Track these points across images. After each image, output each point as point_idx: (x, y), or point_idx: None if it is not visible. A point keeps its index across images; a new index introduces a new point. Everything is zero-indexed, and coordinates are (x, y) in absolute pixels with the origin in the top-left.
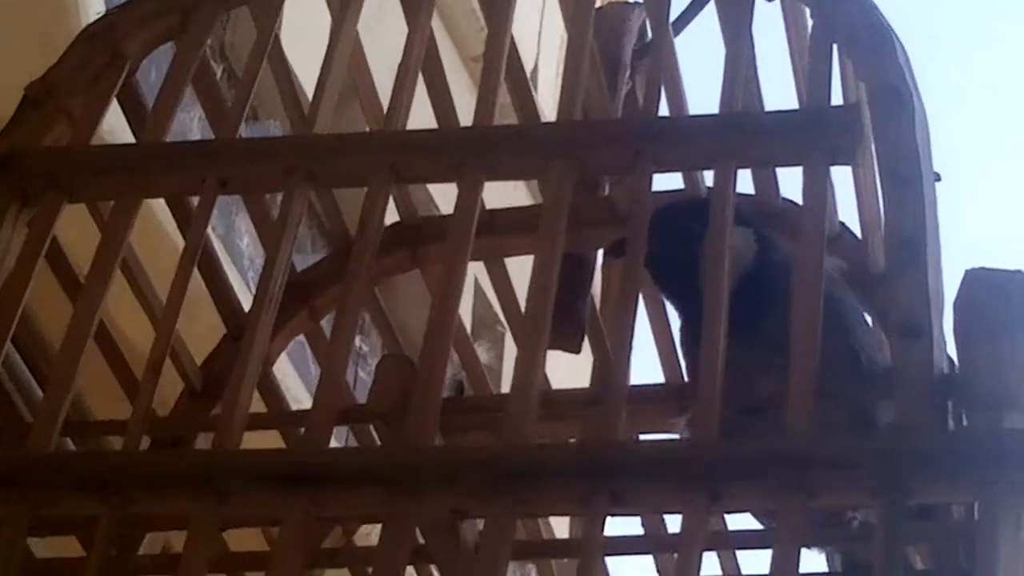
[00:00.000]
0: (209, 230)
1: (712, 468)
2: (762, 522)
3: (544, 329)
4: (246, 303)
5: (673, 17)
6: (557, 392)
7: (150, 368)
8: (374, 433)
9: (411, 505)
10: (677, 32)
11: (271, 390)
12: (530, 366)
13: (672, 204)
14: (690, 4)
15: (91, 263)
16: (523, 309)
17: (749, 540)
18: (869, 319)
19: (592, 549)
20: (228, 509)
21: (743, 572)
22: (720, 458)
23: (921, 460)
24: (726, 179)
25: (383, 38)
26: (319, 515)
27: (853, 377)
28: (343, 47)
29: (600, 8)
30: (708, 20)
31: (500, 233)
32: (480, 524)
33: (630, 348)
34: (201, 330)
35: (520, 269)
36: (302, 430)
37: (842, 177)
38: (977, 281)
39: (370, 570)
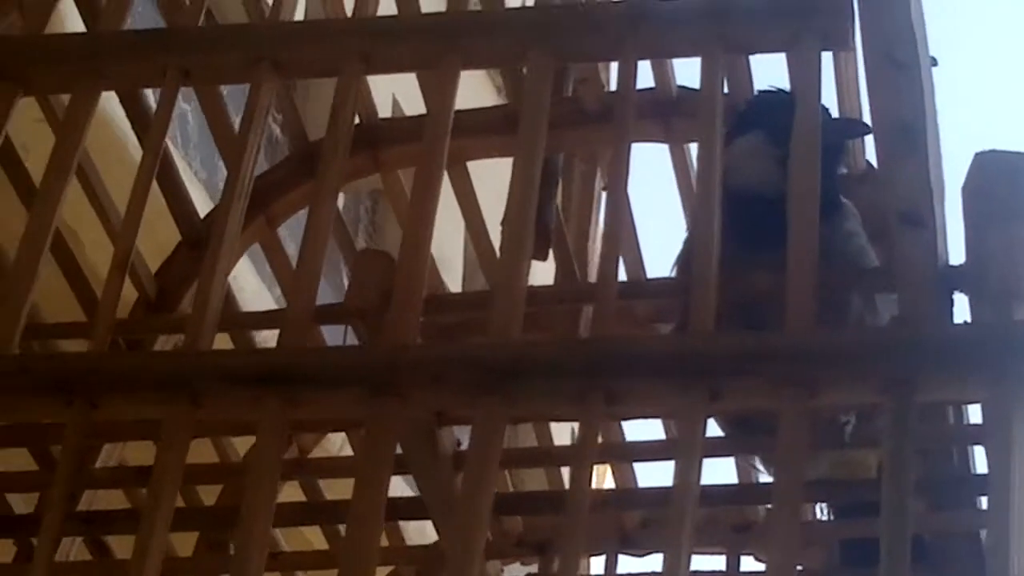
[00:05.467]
0: None
1: (712, 364)
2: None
3: (530, 221)
4: (200, 208)
5: None
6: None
7: (116, 264)
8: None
9: (394, 406)
10: None
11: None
12: (516, 261)
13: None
14: None
15: (49, 158)
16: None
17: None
18: None
19: (587, 454)
20: (201, 412)
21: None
22: (720, 353)
23: (929, 354)
24: (713, 66)
25: None
26: (295, 417)
27: (846, 271)
28: None
29: None
30: None
31: (463, 135)
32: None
33: (619, 242)
34: (154, 243)
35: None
36: (254, 334)
37: None
38: (987, 164)
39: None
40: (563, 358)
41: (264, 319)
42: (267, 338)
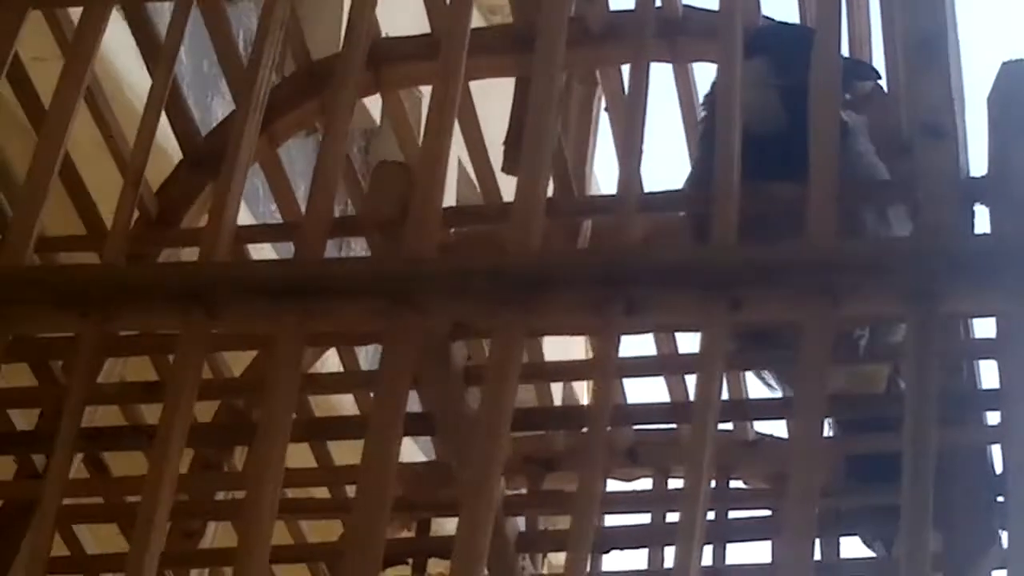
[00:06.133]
0: None
1: (734, 274)
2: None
3: (550, 137)
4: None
5: None
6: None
7: (131, 178)
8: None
9: (413, 317)
10: None
11: None
12: (535, 174)
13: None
14: None
15: (60, 75)
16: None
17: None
18: None
19: (607, 366)
20: (218, 324)
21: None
22: (742, 263)
23: (953, 264)
24: None
25: None
26: (315, 329)
27: (858, 185)
28: None
29: None
30: None
31: (468, 55)
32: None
33: (640, 151)
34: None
35: None
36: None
37: None
38: (1014, 73)
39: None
40: (584, 267)
41: (279, 232)
42: None
